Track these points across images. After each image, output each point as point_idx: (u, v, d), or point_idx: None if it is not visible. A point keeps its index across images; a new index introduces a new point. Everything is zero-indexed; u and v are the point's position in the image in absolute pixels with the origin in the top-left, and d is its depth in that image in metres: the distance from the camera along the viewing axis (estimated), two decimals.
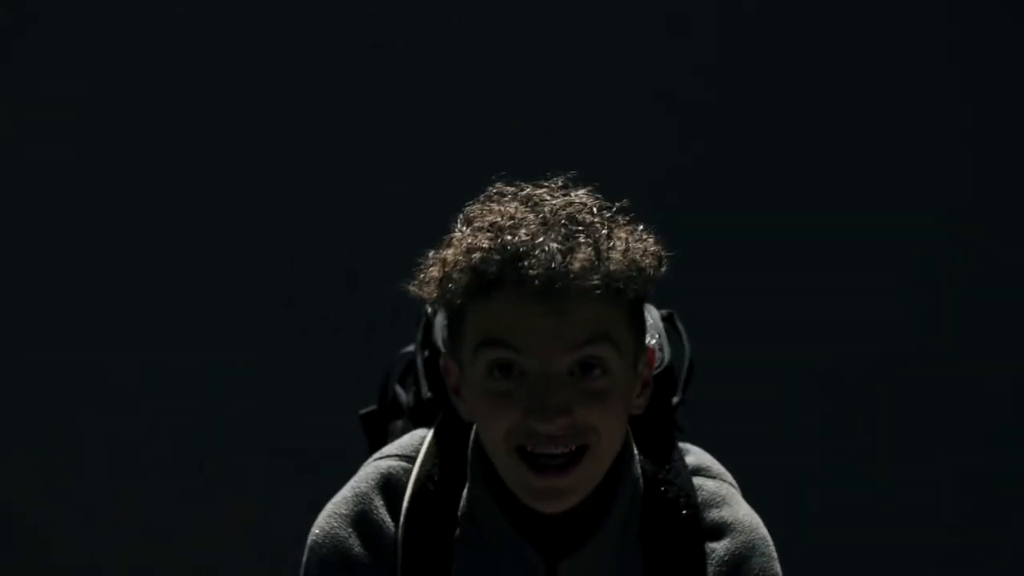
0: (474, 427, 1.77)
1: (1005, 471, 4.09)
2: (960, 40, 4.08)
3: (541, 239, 1.62)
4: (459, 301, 1.67)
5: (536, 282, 1.60)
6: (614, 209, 1.70)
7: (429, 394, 1.94)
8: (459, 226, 1.71)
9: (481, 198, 1.73)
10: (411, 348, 2.04)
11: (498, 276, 1.62)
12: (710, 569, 1.76)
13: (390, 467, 1.81)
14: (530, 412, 1.63)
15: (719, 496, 1.82)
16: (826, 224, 4.06)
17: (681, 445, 1.89)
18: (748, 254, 4.03)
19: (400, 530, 1.75)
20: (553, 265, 1.61)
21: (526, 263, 1.61)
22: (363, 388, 2.37)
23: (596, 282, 1.62)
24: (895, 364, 4.06)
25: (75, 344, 3.99)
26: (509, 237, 1.63)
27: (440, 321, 1.88)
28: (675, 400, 1.93)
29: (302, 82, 4.03)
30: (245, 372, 4.01)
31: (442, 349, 1.86)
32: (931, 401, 4.06)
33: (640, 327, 1.72)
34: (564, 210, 1.67)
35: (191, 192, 4.03)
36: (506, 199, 1.70)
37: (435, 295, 1.70)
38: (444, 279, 1.67)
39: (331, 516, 1.79)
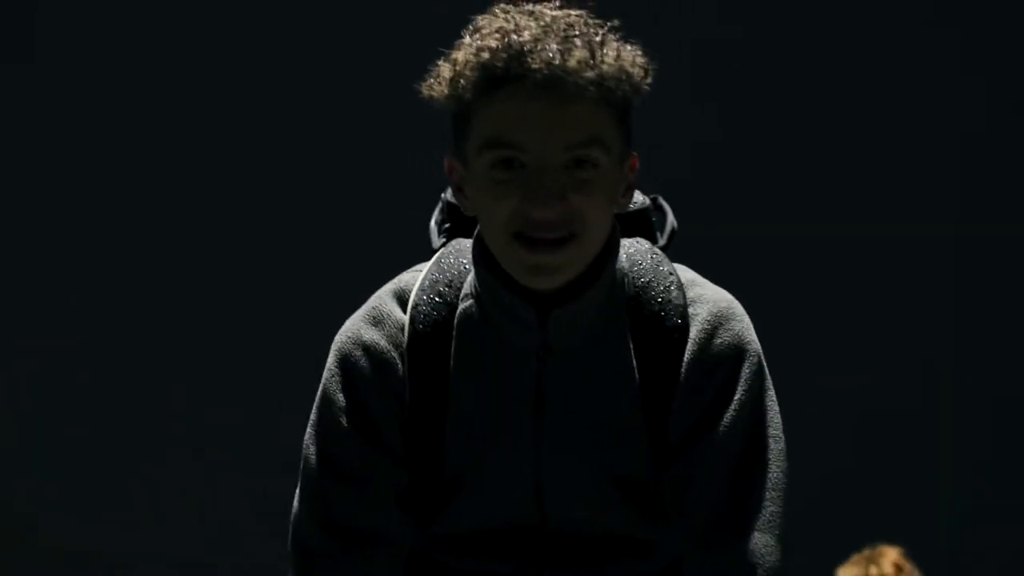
0: (475, 230, 1.97)
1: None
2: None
3: (542, 40, 1.84)
4: (468, 96, 1.87)
5: (538, 75, 1.82)
6: (607, 26, 1.90)
7: (441, 241, 2.14)
8: (468, 34, 1.90)
9: (487, 12, 1.92)
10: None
11: (504, 72, 1.84)
12: (693, 328, 1.96)
13: (401, 279, 2.03)
14: (528, 198, 1.85)
15: (696, 280, 2.03)
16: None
17: None
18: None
19: (408, 313, 1.97)
20: (554, 61, 1.82)
21: (529, 59, 1.83)
22: None
23: (591, 77, 1.83)
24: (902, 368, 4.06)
25: (70, 340, 4.00)
26: (515, 38, 1.85)
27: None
28: (659, 244, 2.13)
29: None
30: (244, 368, 4.01)
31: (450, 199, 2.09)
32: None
33: (628, 133, 1.92)
34: (563, 20, 1.88)
35: (190, 190, 4.04)
36: (510, 12, 1.90)
37: (446, 93, 1.90)
38: (455, 77, 1.88)
39: (350, 320, 2.00)
